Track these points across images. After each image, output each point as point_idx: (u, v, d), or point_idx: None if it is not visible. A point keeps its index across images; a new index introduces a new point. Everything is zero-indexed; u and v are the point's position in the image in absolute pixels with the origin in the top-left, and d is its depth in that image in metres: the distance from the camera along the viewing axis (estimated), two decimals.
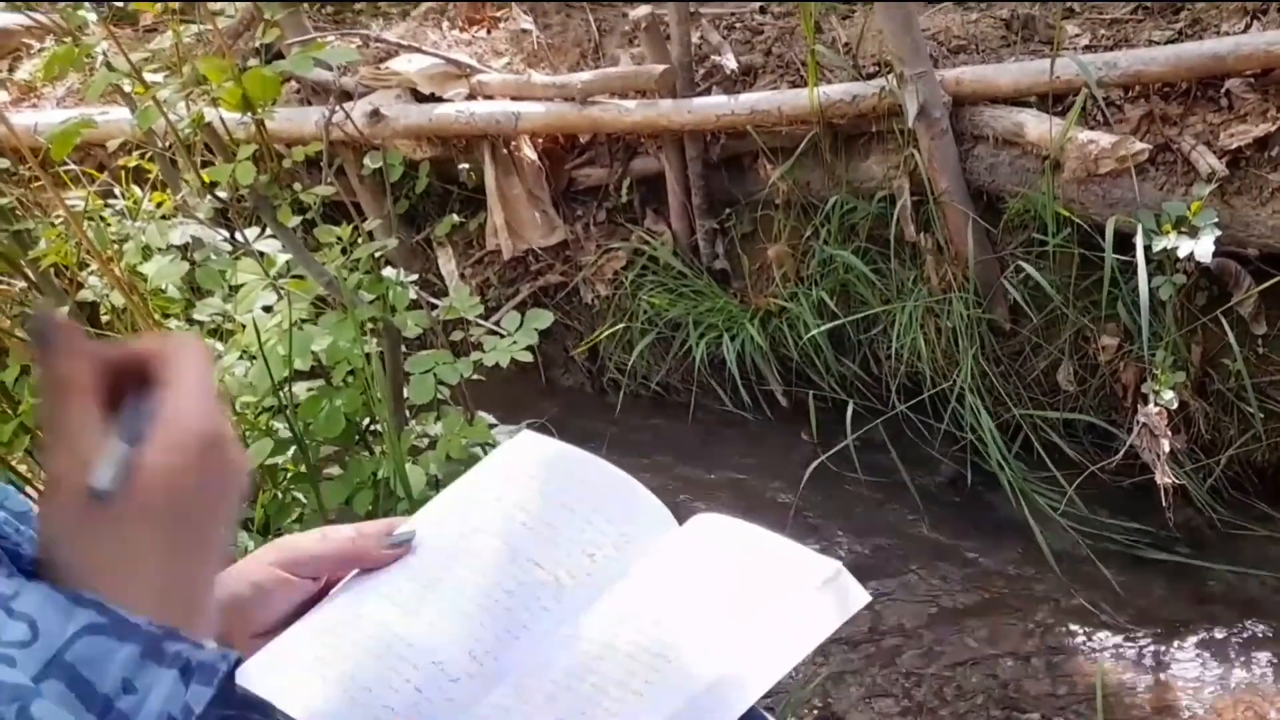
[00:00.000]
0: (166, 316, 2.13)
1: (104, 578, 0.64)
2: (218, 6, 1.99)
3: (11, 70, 4.03)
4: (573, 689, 0.79)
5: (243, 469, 0.68)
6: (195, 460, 0.64)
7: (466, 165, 3.28)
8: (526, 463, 1.01)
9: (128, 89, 1.92)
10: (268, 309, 1.96)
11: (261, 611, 0.92)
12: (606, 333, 3.24)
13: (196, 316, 2.03)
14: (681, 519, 0.98)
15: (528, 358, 2.02)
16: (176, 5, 2.02)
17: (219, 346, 2.04)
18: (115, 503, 0.61)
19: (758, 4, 3.27)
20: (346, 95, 3.26)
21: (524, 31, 3.49)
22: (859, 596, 0.84)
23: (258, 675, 0.88)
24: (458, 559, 0.91)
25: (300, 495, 1.98)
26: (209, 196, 1.96)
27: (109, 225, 2.16)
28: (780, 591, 0.84)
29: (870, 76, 2.82)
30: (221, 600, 0.91)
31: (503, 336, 2.02)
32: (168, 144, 2.02)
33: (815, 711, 2.14)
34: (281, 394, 1.88)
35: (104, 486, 0.59)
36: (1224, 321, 2.39)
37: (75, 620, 0.67)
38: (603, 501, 0.95)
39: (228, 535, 0.68)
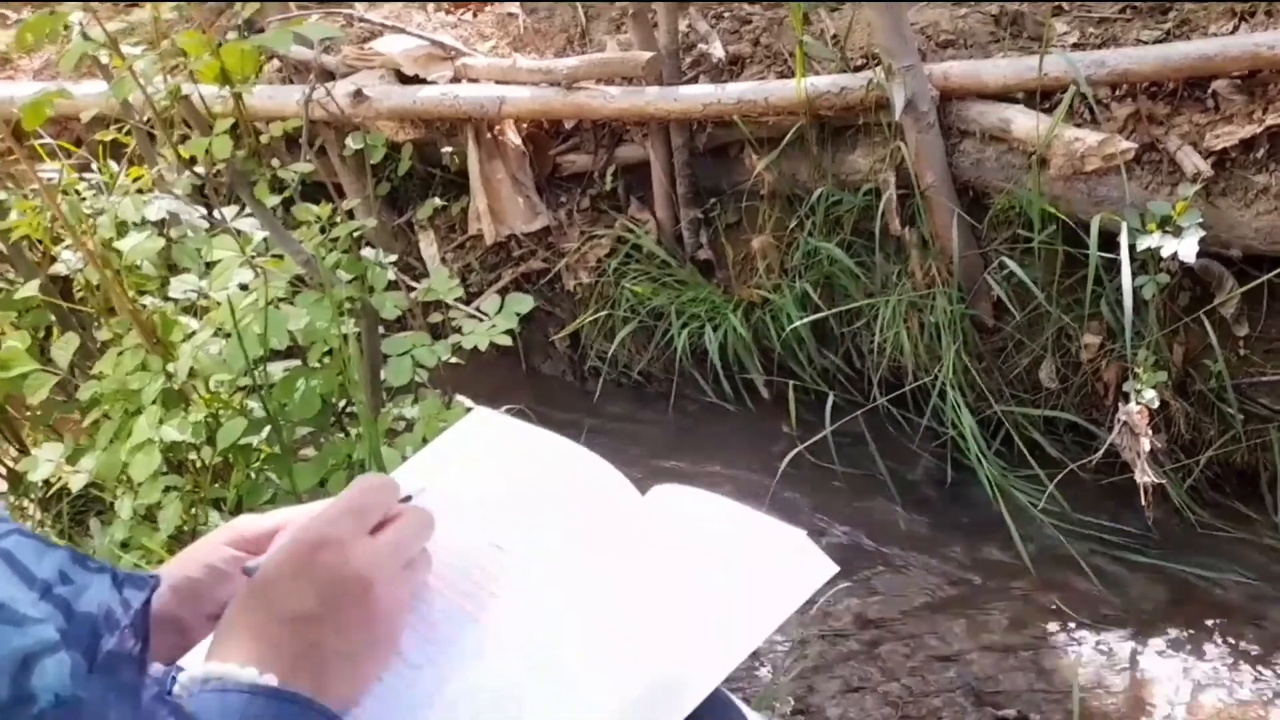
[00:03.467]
0: (141, 293, 2.10)
1: (217, 635, 0.77)
2: None
3: None
4: (538, 671, 0.78)
5: (362, 582, 0.77)
6: (303, 559, 0.77)
7: (450, 149, 3.26)
8: (483, 442, 1.00)
9: (104, 60, 1.89)
10: (244, 287, 1.93)
11: (216, 593, 0.91)
12: (588, 320, 3.22)
13: (171, 293, 2.01)
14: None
15: (507, 342, 2.00)
16: None
17: (194, 323, 2.02)
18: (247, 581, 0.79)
19: None
20: (329, 75, 3.23)
21: (510, 15, 3.47)
22: (825, 568, 0.83)
23: None
24: None
25: (273, 476, 1.95)
26: (186, 172, 1.93)
27: (84, 199, 2.13)
28: (745, 566, 0.83)
29: (858, 69, 2.81)
30: (176, 583, 0.90)
31: (482, 320, 2.00)
32: (145, 118, 1.99)
33: (792, 704, 2.13)
34: (256, 373, 1.86)
35: (250, 566, 0.81)
36: (1206, 322, 2.39)
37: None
38: (562, 479, 0.93)
39: (350, 638, 0.77)
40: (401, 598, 0.79)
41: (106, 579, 0.80)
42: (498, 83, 3.08)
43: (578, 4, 3.38)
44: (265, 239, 1.98)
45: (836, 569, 0.83)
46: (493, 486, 0.94)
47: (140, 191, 2.10)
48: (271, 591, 0.76)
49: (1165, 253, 2.27)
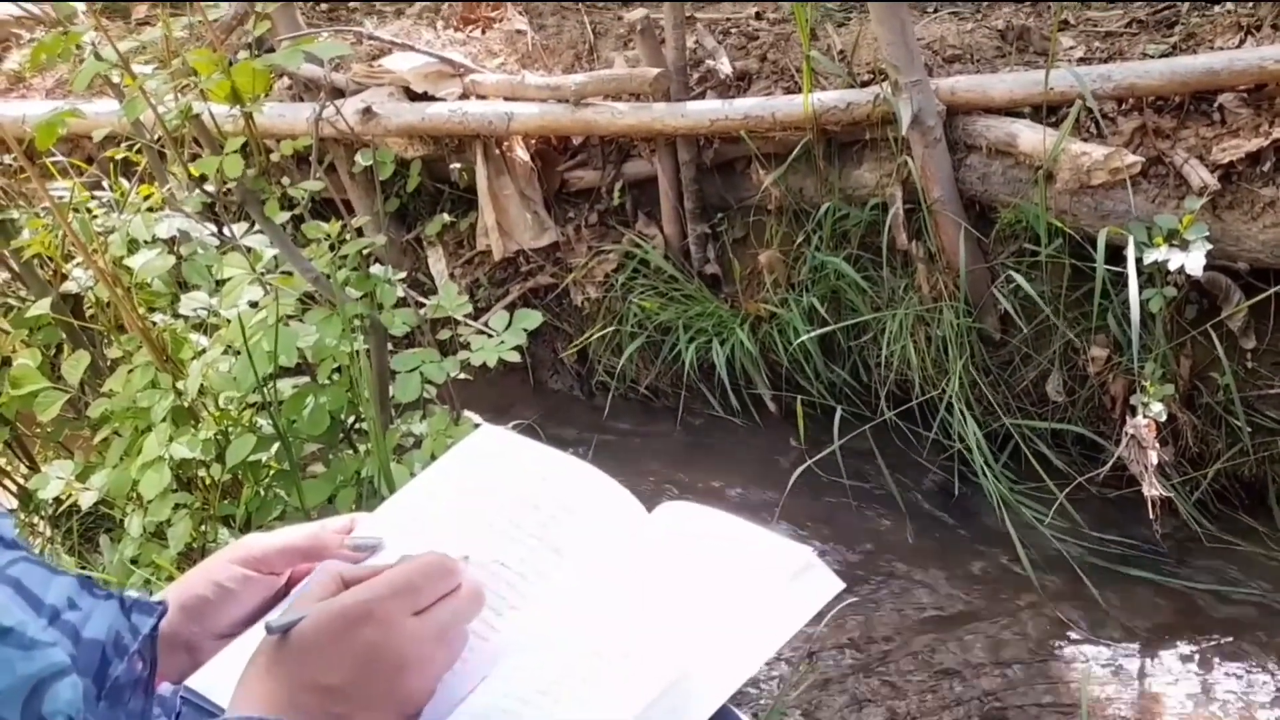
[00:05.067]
0: (151, 310, 2.11)
1: (240, 687, 0.76)
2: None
3: None
4: (545, 691, 0.78)
5: (398, 663, 0.76)
6: (344, 631, 0.75)
7: (459, 165, 3.27)
8: (489, 459, 1.00)
9: (116, 80, 1.91)
10: (254, 304, 1.94)
11: (226, 610, 0.91)
12: (596, 335, 3.23)
13: (181, 311, 2.02)
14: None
15: (516, 358, 2.00)
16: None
17: (203, 341, 2.03)
18: (276, 638, 0.76)
19: (754, 9, 3.27)
20: (339, 92, 3.24)
21: (519, 32, 3.48)
22: (831, 585, 0.83)
23: (212, 681, 0.87)
24: None
25: (283, 493, 1.96)
26: (197, 190, 1.95)
27: (95, 217, 2.15)
28: (751, 583, 0.83)
29: (865, 84, 2.81)
30: (184, 601, 0.90)
31: (491, 336, 2.01)
32: (156, 136, 2.01)
33: (799, 718, 2.13)
34: (265, 390, 1.87)
35: (272, 623, 0.76)
36: (1213, 335, 2.39)
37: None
38: (567, 496, 0.94)
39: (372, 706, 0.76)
40: (433, 678, 0.78)
41: (114, 605, 0.80)
42: (506, 99, 3.09)
43: (585, 21, 3.40)
44: (275, 256, 1.99)
45: (843, 586, 0.83)
46: (500, 504, 0.94)
47: (151, 209, 2.11)
48: (306, 656, 0.75)
49: (1172, 266, 2.27)
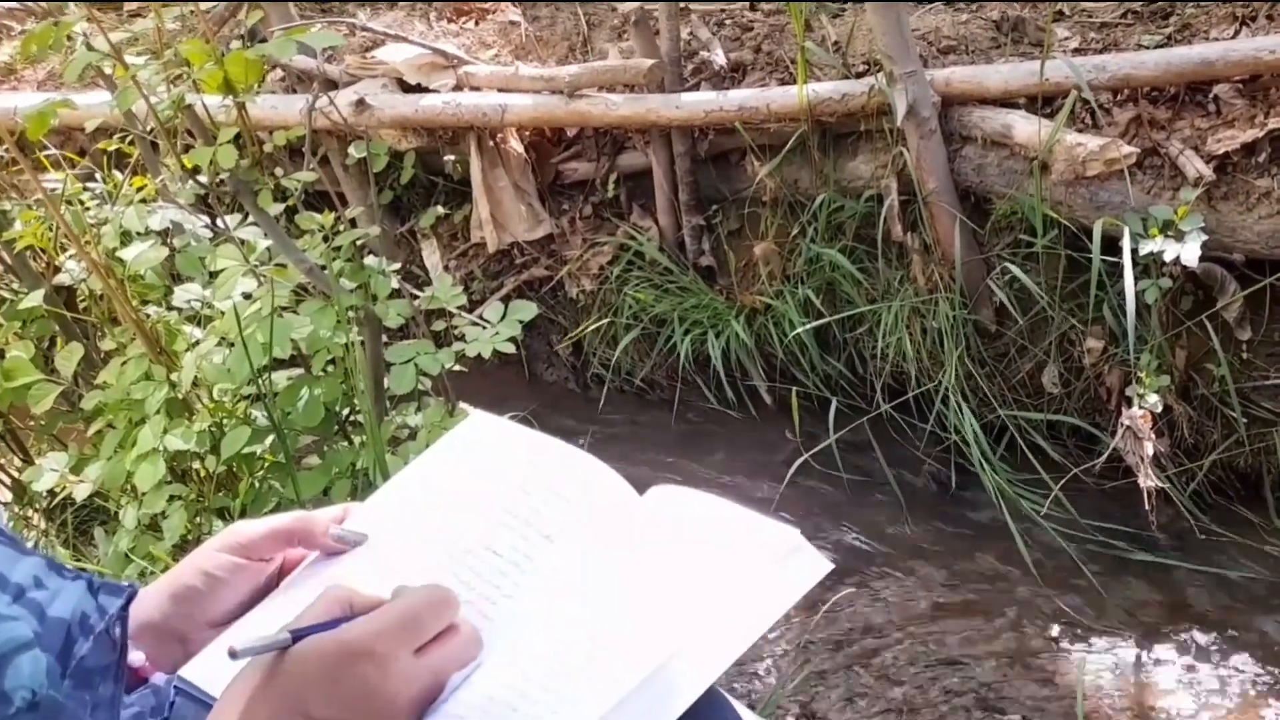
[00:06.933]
0: (145, 302, 2.10)
1: (224, 703, 0.73)
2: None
3: None
4: (533, 679, 0.78)
5: (392, 703, 0.74)
6: (342, 665, 0.73)
7: (452, 157, 3.26)
8: (480, 447, 1.00)
9: (108, 71, 1.90)
10: (247, 296, 1.94)
11: (217, 599, 0.90)
12: (591, 327, 3.22)
13: (175, 302, 2.01)
14: None
15: (510, 350, 2.00)
16: None
17: (197, 333, 2.02)
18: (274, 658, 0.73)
19: (747, 0, 3.26)
20: (332, 84, 3.23)
21: (512, 24, 3.47)
22: (820, 566, 0.83)
23: (205, 671, 0.86)
24: (413, 550, 0.89)
25: (277, 485, 1.96)
26: (190, 181, 1.94)
27: (88, 209, 2.14)
28: (740, 565, 0.83)
29: (860, 75, 2.81)
30: (175, 591, 0.90)
31: (485, 328, 2.01)
32: (149, 128, 2.00)
33: (795, 711, 2.13)
34: (260, 382, 1.86)
35: (234, 647, 0.72)
36: (1209, 326, 2.39)
37: None
38: (559, 481, 0.94)
39: None
40: (421, 711, 0.77)
41: (82, 585, 0.79)
42: (500, 91, 3.08)
43: (579, 13, 3.39)
44: (269, 248, 1.98)
45: (831, 566, 0.83)
46: (491, 491, 0.94)
47: (144, 201, 2.11)
48: (300, 685, 0.72)
49: (1167, 257, 2.27)
